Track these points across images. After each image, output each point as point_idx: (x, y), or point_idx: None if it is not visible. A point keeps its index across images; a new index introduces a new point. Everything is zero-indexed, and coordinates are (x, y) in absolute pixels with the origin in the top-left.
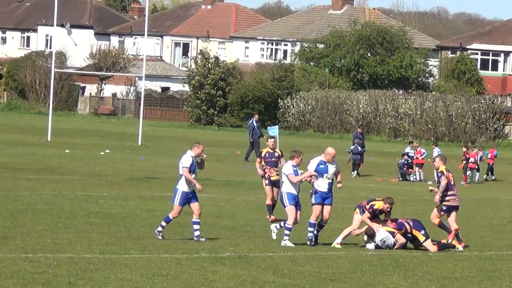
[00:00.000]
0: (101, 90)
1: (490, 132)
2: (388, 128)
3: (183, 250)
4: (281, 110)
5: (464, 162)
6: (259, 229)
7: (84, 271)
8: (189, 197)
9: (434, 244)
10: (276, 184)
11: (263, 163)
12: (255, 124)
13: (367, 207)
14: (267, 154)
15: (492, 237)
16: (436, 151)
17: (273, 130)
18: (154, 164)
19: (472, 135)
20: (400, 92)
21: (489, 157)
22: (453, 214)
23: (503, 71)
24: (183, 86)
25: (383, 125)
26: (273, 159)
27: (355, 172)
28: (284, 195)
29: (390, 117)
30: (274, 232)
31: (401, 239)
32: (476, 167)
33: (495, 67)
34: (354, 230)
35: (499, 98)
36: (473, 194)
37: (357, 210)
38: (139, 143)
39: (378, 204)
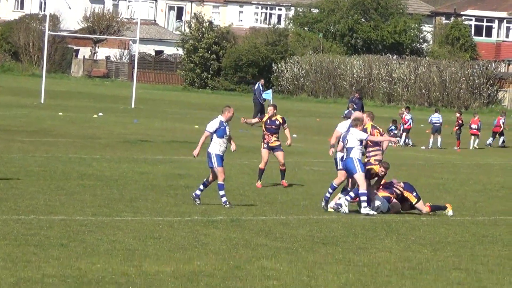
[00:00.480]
0: (94, 53)
1: (484, 97)
2: (381, 93)
3: (176, 213)
4: (275, 74)
5: (457, 127)
6: (252, 192)
7: (76, 233)
8: (223, 159)
9: (426, 205)
10: (275, 149)
11: (263, 128)
12: (261, 88)
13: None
14: (268, 120)
15: (485, 202)
16: (435, 117)
17: (267, 94)
18: (147, 127)
19: (466, 100)
20: (394, 58)
21: (496, 124)
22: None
23: (497, 37)
24: (177, 50)
25: (376, 90)
26: (273, 126)
27: None
28: (355, 161)
29: (384, 82)
30: (346, 206)
31: (397, 205)
32: (477, 133)
33: (489, 33)
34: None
35: (493, 64)
36: (466, 159)
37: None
38: (133, 106)
39: (376, 168)
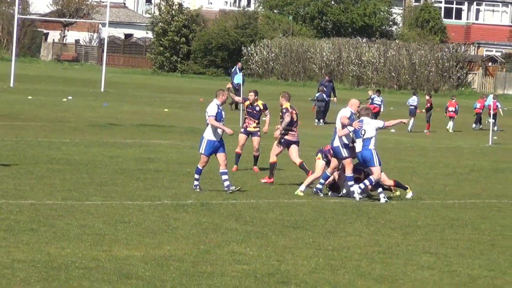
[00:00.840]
0: (64, 36)
1: (453, 80)
2: (351, 76)
3: (146, 197)
4: (244, 58)
5: (425, 111)
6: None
7: (46, 217)
8: (216, 147)
9: (390, 179)
10: (252, 134)
11: (245, 112)
12: (239, 72)
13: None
14: (250, 105)
15: (455, 185)
16: (412, 100)
17: (238, 78)
18: (116, 110)
19: (435, 83)
20: (363, 40)
21: (478, 106)
22: (293, 148)
23: (467, 19)
24: (146, 33)
25: (346, 73)
26: (255, 112)
27: (321, 120)
28: (374, 153)
29: (354, 65)
30: (357, 193)
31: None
32: (455, 115)
33: (458, 16)
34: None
35: (463, 47)
36: (436, 142)
37: (319, 155)
38: (102, 90)
39: None
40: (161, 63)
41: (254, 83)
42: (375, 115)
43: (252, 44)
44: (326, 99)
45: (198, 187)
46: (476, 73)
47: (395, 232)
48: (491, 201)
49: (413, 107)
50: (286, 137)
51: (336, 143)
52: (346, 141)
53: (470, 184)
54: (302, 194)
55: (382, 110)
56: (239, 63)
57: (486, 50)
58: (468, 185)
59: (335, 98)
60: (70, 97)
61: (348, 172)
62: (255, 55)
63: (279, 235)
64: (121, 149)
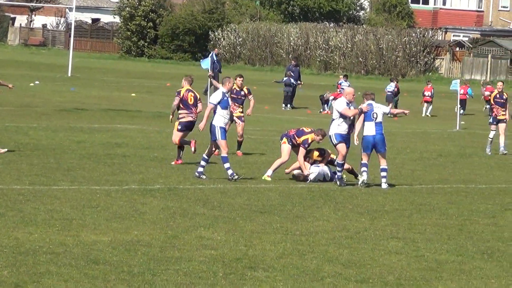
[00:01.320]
0: (31, 21)
1: (421, 65)
2: (318, 61)
3: (113, 182)
4: (211, 42)
5: (394, 95)
6: (189, 161)
7: (13, 202)
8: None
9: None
10: (239, 118)
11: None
12: (215, 58)
13: (299, 141)
14: (234, 90)
15: (422, 170)
16: (390, 86)
17: (205, 63)
18: (84, 95)
19: (403, 68)
20: (331, 25)
21: (461, 92)
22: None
23: (434, 4)
24: (114, 18)
25: (313, 58)
26: (239, 97)
27: (288, 105)
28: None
29: (321, 50)
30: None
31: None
32: (431, 100)
33: (426, 1)
34: (287, 170)
35: (430, 32)
36: (403, 127)
37: (284, 139)
38: (69, 75)
39: (310, 137)
40: (128, 48)
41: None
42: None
43: (219, 29)
44: (293, 83)
45: (234, 174)
46: (443, 58)
47: (363, 217)
48: (458, 186)
49: (390, 93)
50: (183, 120)
51: (330, 132)
52: (341, 131)
53: (438, 169)
54: (269, 179)
55: None
56: (216, 49)
57: (454, 35)
58: (435, 170)
59: (300, 83)
60: (37, 82)
61: (339, 160)
62: (222, 40)
63: (246, 220)
64: (89, 134)
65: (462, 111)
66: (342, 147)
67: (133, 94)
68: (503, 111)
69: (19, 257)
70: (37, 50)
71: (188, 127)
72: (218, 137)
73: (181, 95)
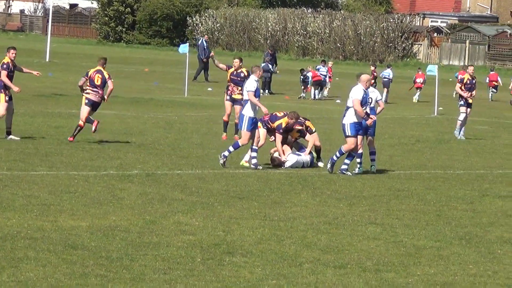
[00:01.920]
0: (9, 6)
1: (399, 51)
2: (296, 46)
3: (91, 168)
4: (189, 28)
5: (372, 81)
6: (167, 146)
7: None
8: (255, 123)
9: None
10: (236, 102)
11: (228, 79)
12: (205, 44)
13: (273, 126)
14: (234, 72)
15: (400, 156)
16: (386, 72)
17: (183, 48)
18: (62, 81)
19: (381, 54)
20: (309, 11)
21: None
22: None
23: None
24: (92, 3)
25: (291, 44)
26: (239, 78)
27: (266, 90)
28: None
29: (299, 35)
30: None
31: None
32: (422, 86)
33: None
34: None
35: (408, 18)
36: (381, 113)
37: (259, 124)
38: (47, 60)
39: (284, 121)
40: (106, 33)
41: None
42: (319, 85)
43: (197, 14)
44: (271, 70)
45: (225, 159)
46: (421, 44)
47: (341, 203)
48: (436, 171)
49: (387, 79)
50: (89, 96)
51: (345, 121)
52: (356, 120)
53: (416, 155)
54: (247, 164)
55: (327, 80)
56: (206, 36)
57: (431, 21)
58: (413, 155)
59: (276, 68)
60: None
61: (344, 149)
62: (200, 25)
63: (224, 206)
64: (66, 119)
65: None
66: (352, 142)
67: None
68: (472, 95)
69: None
70: (15, 36)
71: (93, 106)
72: (244, 127)
73: (89, 75)
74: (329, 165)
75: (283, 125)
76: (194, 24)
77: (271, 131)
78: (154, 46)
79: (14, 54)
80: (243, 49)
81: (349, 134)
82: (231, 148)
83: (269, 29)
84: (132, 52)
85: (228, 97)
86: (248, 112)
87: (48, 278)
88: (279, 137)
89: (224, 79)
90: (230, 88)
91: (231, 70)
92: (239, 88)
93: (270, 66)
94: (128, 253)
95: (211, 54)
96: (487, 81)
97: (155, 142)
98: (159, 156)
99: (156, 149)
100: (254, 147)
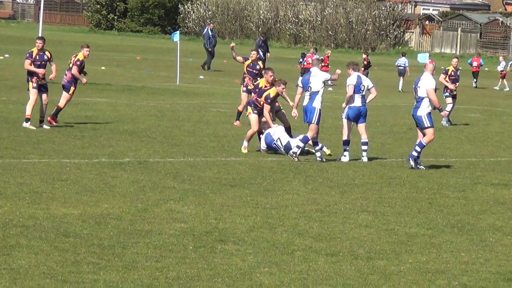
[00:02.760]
0: None
1: (390, 39)
2: (288, 34)
3: (83, 155)
4: (181, 16)
5: (363, 69)
6: (159, 134)
7: None
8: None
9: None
10: (251, 93)
11: (245, 71)
12: (210, 33)
13: (262, 100)
14: (250, 63)
15: (392, 144)
16: (402, 61)
17: (175, 36)
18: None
19: (372, 42)
20: None
21: (474, 65)
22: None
23: None
24: None
25: (283, 31)
26: (255, 70)
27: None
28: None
29: (291, 23)
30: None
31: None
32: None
33: None
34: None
35: (400, 5)
36: (373, 100)
37: (249, 109)
38: None
39: (271, 91)
40: (98, 21)
41: (191, 41)
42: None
43: (189, 2)
44: (263, 58)
45: (321, 157)
46: (413, 32)
47: (333, 191)
48: (428, 159)
49: (402, 67)
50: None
51: (420, 112)
52: (430, 110)
53: (408, 143)
54: (245, 150)
55: None
56: (211, 24)
57: (423, 9)
58: (405, 143)
59: (268, 54)
60: (6, 55)
61: (425, 141)
62: (192, 13)
63: (216, 193)
64: None
65: (475, 84)
66: (431, 132)
67: (103, 68)
68: (456, 86)
69: None
70: (7, 23)
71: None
72: (314, 120)
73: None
74: (412, 163)
75: (272, 95)
76: (186, 12)
77: (262, 113)
78: (146, 34)
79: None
80: (235, 36)
81: (429, 125)
82: (300, 144)
83: (261, 16)
84: (124, 40)
85: (244, 89)
86: (318, 104)
87: (40, 266)
88: (267, 107)
89: (228, 69)
90: (246, 80)
91: (248, 62)
92: (256, 79)
93: (261, 53)
94: (120, 241)
95: (231, 45)
96: (474, 64)
97: (147, 130)
98: (151, 144)
99: (148, 137)
100: (315, 140)
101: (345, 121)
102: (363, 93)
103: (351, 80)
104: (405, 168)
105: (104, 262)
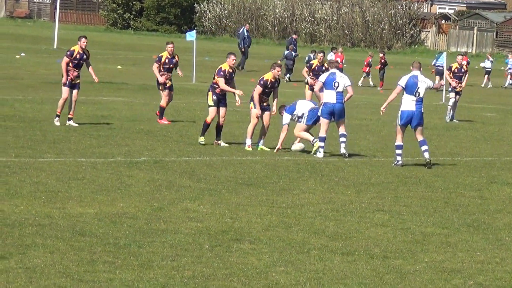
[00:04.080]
0: None
1: (407, 38)
2: (304, 33)
3: (99, 154)
4: (197, 15)
5: (374, 67)
6: (175, 133)
7: None
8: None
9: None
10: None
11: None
12: (246, 33)
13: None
14: (317, 65)
15: (408, 143)
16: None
17: (191, 35)
18: None
19: (389, 41)
20: None
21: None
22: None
23: None
24: None
25: (299, 31)
26: (320, 72)
27: (287, 76)
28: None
29: (307, 22)
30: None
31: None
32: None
33: None
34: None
35: (416, 4)
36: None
37: (251, 104)
38: (55, 47)
39: (267, 76)
40: (114, 20)
41: (207, 40)
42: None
43: (205, 1)
44: (294, 56)
45: (399, 162)
46: (429, 31)
47: (349, 190)
48: (444, 158)
49: (441, 67)
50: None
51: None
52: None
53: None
54: (250, 148)
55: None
56: (247, 25)
57: (439, 8)
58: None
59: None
60: (23, 54)
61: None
62: (208, 12)
63: (232, 193)
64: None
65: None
66: (322, 122)
67: (119, 67)
68: (460, 83)
69: (5, 229)
70: (23, 22)
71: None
72: (398, 121)
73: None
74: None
75: (265, 78)
76: (202, 11)
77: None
78: (161, 33)
79: (85, 43)
80: (251, 35)
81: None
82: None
83: (277, 16)
84: (140, 39)
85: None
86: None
87: (56, 265)
88: (258, 89)
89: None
90: (309, 81)
91: (314, 65)
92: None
93: (293, 53)
94: (136, 240)
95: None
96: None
97: (163, 129)
98: (167, 143)
99: (164, 136)
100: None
101: (321, 119)
102: (338, 90)
103: (322, 77)
104: (421, 167)
105: (119, 261)
